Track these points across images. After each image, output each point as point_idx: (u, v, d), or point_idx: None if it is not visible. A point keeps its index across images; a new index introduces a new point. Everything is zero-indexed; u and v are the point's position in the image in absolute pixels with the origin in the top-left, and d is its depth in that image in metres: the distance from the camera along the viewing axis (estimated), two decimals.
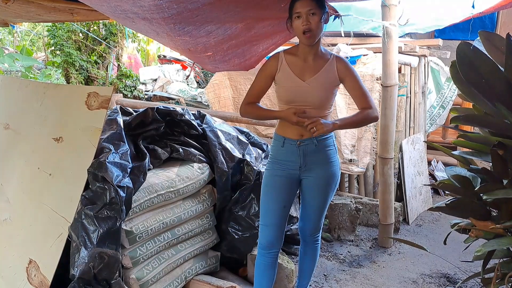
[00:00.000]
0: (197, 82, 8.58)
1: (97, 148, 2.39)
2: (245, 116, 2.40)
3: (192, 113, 3.11)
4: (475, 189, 1.81)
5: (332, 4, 2.58)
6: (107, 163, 2.33)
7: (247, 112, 2.36)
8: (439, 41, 4.47)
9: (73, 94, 2.70)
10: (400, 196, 4.21)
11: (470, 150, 1.91)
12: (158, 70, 8.58)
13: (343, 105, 3.96)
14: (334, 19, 2.69)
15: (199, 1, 2.05)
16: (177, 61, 9.16)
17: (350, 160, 4.08)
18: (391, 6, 3.24)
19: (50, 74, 8.52)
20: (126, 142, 2.59)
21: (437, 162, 5.45)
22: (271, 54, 2.63)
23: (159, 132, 2.88)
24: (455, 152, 1.96)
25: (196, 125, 2.99)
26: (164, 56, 9.61)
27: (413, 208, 4.23)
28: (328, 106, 2.27)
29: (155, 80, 8.33)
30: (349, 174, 4.24)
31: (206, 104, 6.44)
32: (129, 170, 2.43)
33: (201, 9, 2.14)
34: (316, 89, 2.21)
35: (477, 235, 1.82)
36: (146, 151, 2.71)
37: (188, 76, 8.26)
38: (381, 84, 3.49)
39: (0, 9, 3.07)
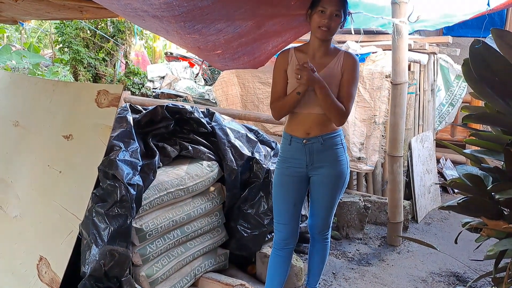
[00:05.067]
0: (204, 80, 8.59)
1: (107, 145, 2.40)
2: (278, 115, 2.31)
3: (201, 111, 3.11)
4: (487, 188, 1.79)
5: None
6: (117, 161, 2.33)
7: (275, 109, 2.30)
8: (449, 38, 4.44)
9: (82, 92, 2.71)
10: (409, 194, 4.19)
11: (482, 148, 1.89)
12: (165, 67, 8.60)
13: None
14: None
15: None
16: (184, 58, 9.16)
17: (359, 158, 4.07)
18: (401, 3, 3.22)
19: (57, 71, 8.58)
20: (136, 140, 2.60)
21: (446, 160, 5.42)
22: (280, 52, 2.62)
23: (169, 130, 2.88)
24: (466, 151, 1.94)
25: (205, 123, 2.99)
26: (171, 54, 9.62)
27: (422, 206, 4.21)
28: None
29: (163, 77, 8.35)
30: (357, 172, 4.23)
31: (213, 101, 6.45)
32: (139, 168, 2.44)
33: (211, 7, 2.14)
34: None
35: (489, 234, 1.81)
36: (155, 149, 2.71)
37: (197, 74, 8.27)
38: (391, 82, 3.47)
39: (10, 7, 3.09)
